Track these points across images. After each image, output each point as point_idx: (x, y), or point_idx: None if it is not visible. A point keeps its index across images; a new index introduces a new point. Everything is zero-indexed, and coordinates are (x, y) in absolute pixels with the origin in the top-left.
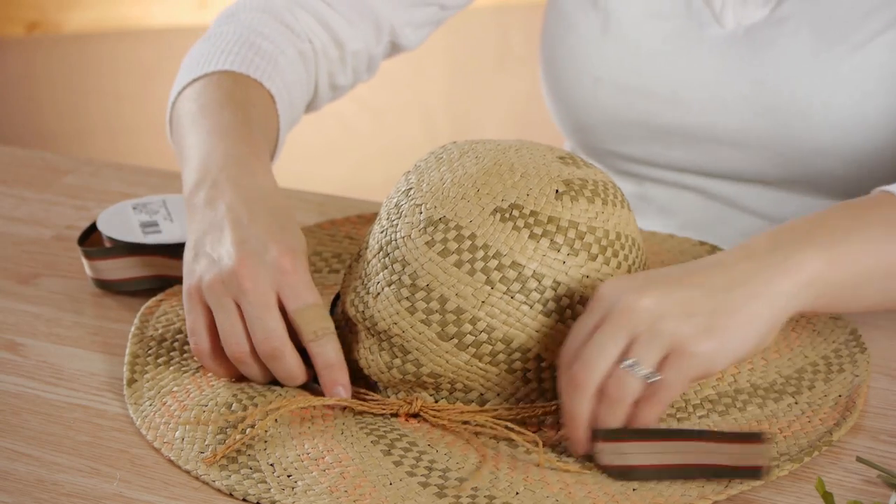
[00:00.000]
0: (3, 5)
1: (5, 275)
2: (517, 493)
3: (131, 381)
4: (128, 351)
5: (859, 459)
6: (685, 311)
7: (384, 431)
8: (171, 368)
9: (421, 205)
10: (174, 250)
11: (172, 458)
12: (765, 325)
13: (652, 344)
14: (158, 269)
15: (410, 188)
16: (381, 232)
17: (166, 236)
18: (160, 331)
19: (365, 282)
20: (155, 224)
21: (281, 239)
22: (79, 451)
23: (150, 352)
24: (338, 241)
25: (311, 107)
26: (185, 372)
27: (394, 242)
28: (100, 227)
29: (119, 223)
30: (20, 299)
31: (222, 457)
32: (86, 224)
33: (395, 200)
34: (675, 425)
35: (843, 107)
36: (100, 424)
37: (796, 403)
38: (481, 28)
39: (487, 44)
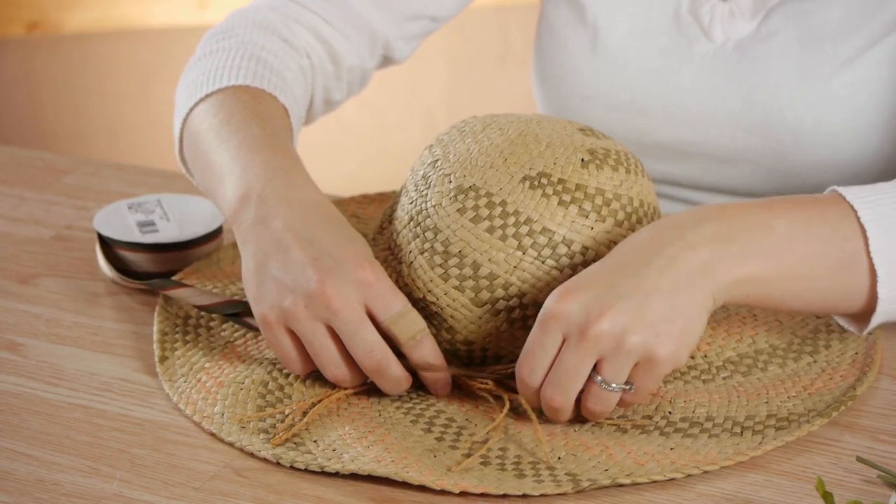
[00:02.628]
0: (3, 5)
1: (5, 275)
2: (559, 458)
3: (163, 359)
4: (155, 328)
5: (859, 459)
6: (645, 323)
7: (421, 409)
8: (200, 345)
9: (450, 174)
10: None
11: (214, 431)
12: (706, 316)
13: (621, 362)
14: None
15: (437, 160)
16: (411, 203)
17: (164, 235)
18: (185, 308)
19: (396, 252)
20: (152, 223)
21: (352, 251)
22: (79, 451)
23: (177, 329)
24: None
25: (304, 122)
26: (214, 349)
27: (425, 211)
28: (96, 227)
29: (116, 223)
30: (20, 299)
31: (285, 439)
32: (86, 224)
33: (421, 172)
34: (700, 387)
35: (834, 123)
36: (100, 424)
37: (815, 362)
38: (481, 28)
39: (487, 44)
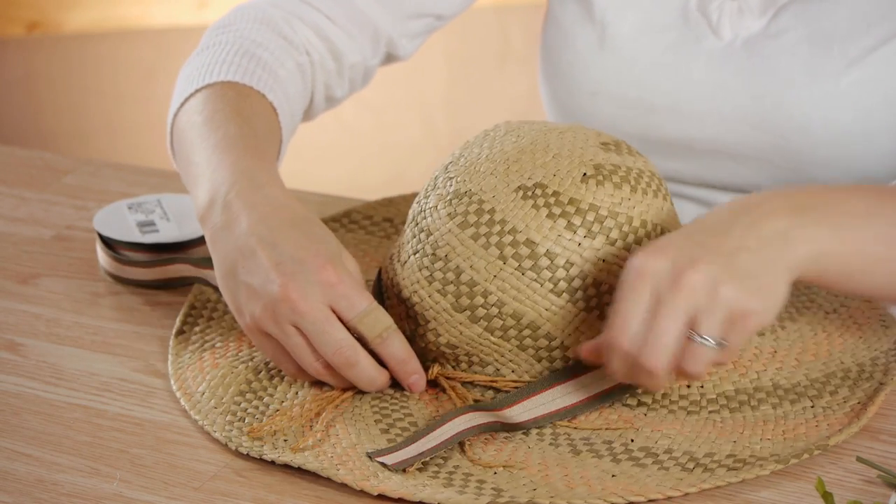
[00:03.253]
0: (3, 5)
1: (5, 275)
2: (495, 473)
3: (179, 332)
4: (186, 303)
5: (859, 459)
6: (735, 275)
7: (391, 411)
8: (223, 324)
9: (453, 178)
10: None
11: (187, 409)
12: (788, 281)
13: (715, 316)
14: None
15: (450, 162)
16: (417, 203)
17: (164, 235)
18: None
19: (399, 250)
20: (152, 223)
21: (314, 252)
22: (79, 451)
23: (207, 305)
24: None
25: (304, 117)
26: (235, 329)
27: (423, 212)
28: (96, 227)
29: (116, 223)
30: (20, 299)
31: (260, 430)
32: (86, 224)
33: (436, 173)
34: (681, 418)
35: (842, 122)
36: (100, 424)
37: (812, 407)
38: (481, 28)
39: (487, 44)
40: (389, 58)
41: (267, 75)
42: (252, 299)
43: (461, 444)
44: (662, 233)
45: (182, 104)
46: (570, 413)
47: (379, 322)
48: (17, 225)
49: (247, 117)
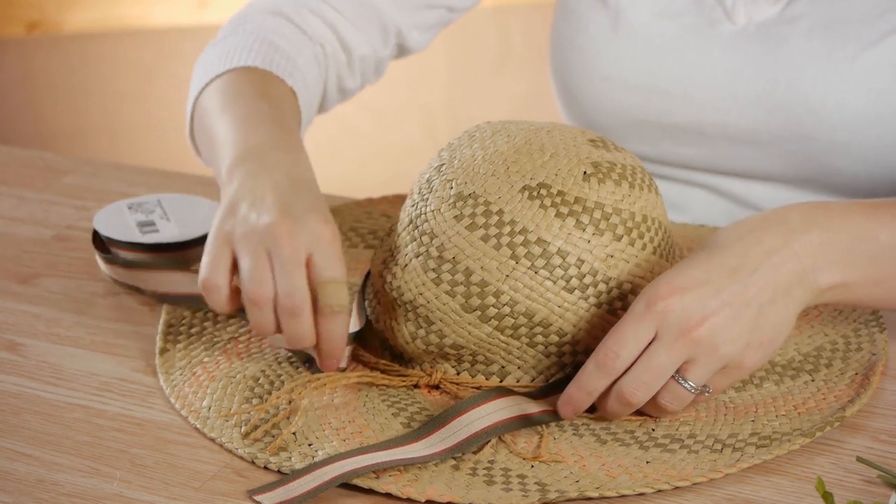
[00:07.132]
0: (3, 5)
1: (5, 275)
2: (532, 466)
3: (163, 351)
4: (161, 320)
5: (859, 459)
6: (741, 334)
7: (405, 404)
8: (203, 339)
9: (452, 180)
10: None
11: (198, 427)
12: (794, 321)
13: (710, 367)
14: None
15: (443, 164)
16: (412, 206)
17: (164, 235)
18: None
19: (394, 254)
20: (152, 223)
21: (322, 213)
22: (79, 451)
23: (183, 321)
24: (374, 218)
25: (319, 110)
26: (217, 343)
27: (423, 216)
28: (96, 227)
29: (116, 223)
30: (20, 299)
31: (261, 430)
32: (86, 224)
33: (426, 176)
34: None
35: (856, 105)
36: (100, 424)
37: (812, 381)
38: (481, 28)
39: (487, 44)
40: (401, 49)
41: (286, 62)
42: (241, 223)
43: (499, 436)
44: (660, 227)
45: (203, 89)
46: (504, 429)
47: (340, 294)
48: (17, 225)
49: (273, 99)
